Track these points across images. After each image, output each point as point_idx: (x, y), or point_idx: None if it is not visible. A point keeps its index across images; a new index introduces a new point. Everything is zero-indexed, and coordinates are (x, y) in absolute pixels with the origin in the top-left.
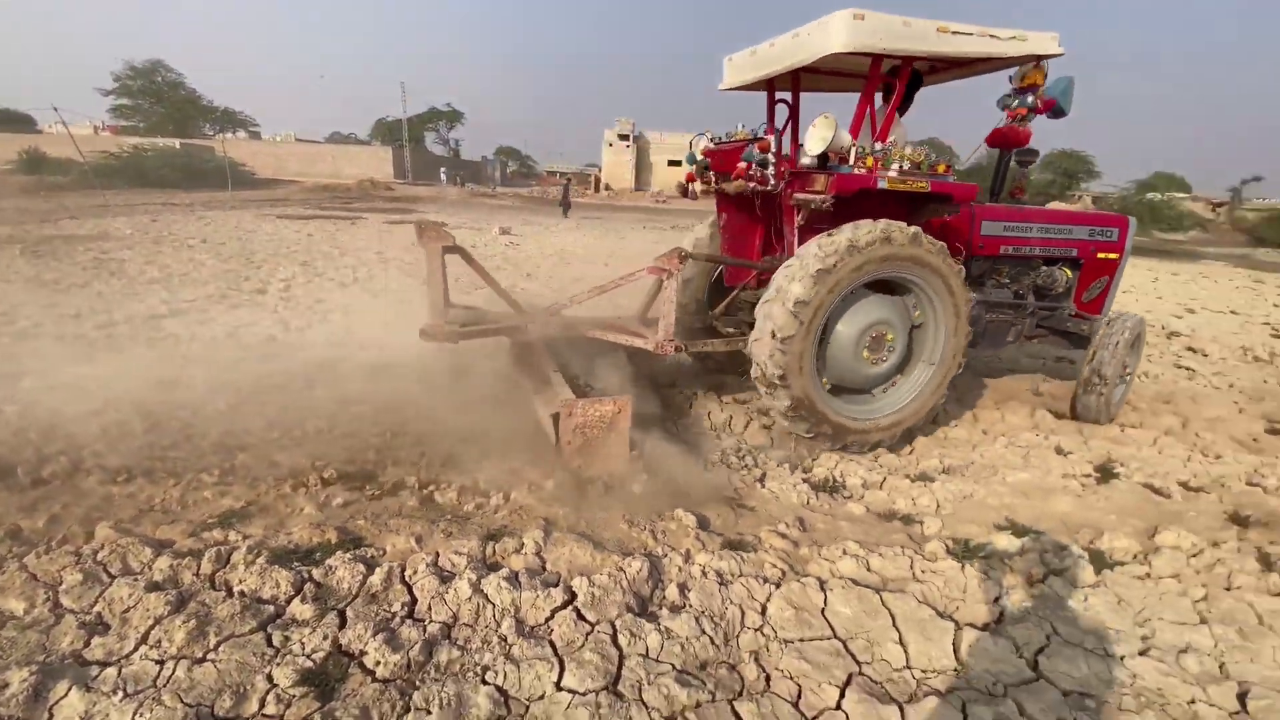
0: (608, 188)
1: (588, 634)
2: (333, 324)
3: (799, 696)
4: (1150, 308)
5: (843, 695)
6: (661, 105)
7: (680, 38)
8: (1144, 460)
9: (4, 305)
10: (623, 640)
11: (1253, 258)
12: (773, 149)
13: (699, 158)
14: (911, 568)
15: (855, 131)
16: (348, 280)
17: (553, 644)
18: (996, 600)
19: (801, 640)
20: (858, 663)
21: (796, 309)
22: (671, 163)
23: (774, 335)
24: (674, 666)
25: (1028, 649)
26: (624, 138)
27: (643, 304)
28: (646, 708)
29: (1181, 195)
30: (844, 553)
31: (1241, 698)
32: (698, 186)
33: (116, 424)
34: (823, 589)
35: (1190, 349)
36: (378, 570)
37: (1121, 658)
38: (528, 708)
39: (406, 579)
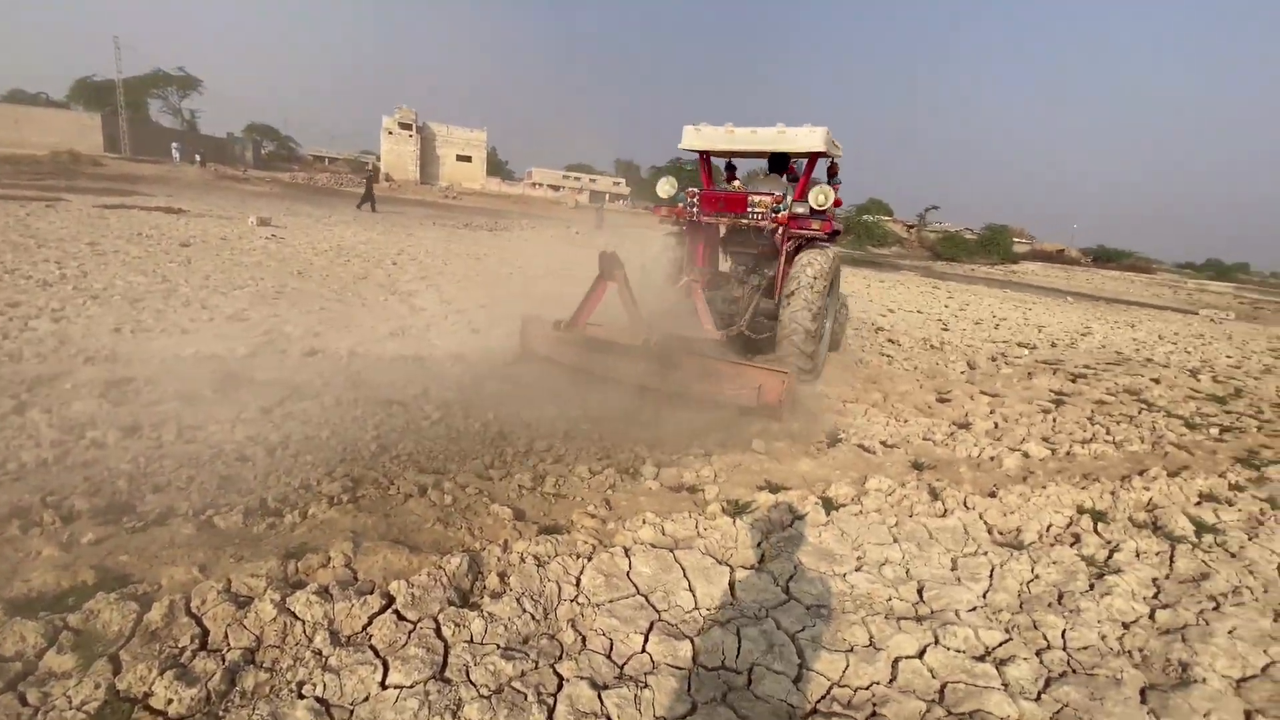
0: (389, 178)
1: (410, 632)
2: (36, 335)
3: (611, 649)
4: (864, 309)
5: (646, 640)
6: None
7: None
8: (858, 428)
9: None
10: (447, 631)
11: (933, 269)
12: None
13: (675, 194)
14: (696, 528)
15: (801, 194)
16: (52, 278)
17: (373, 648)
18: (759, 545)
19: (611, 601)
20: (657, 611)
21: (816, 298)
22: (461, 158)
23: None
24: (499, 646)
25: (781, 579)
26: (405, 127)
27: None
28: (475, 686)
29: (886, 218)
30: (644, 522)
31: (920, 591)
32: (673, 222)
33: None
34: (627, 555)
35: (890, 340)
36: (155, 606)
37: (844, 575)
38: (352, 711)
39: (194, 611)
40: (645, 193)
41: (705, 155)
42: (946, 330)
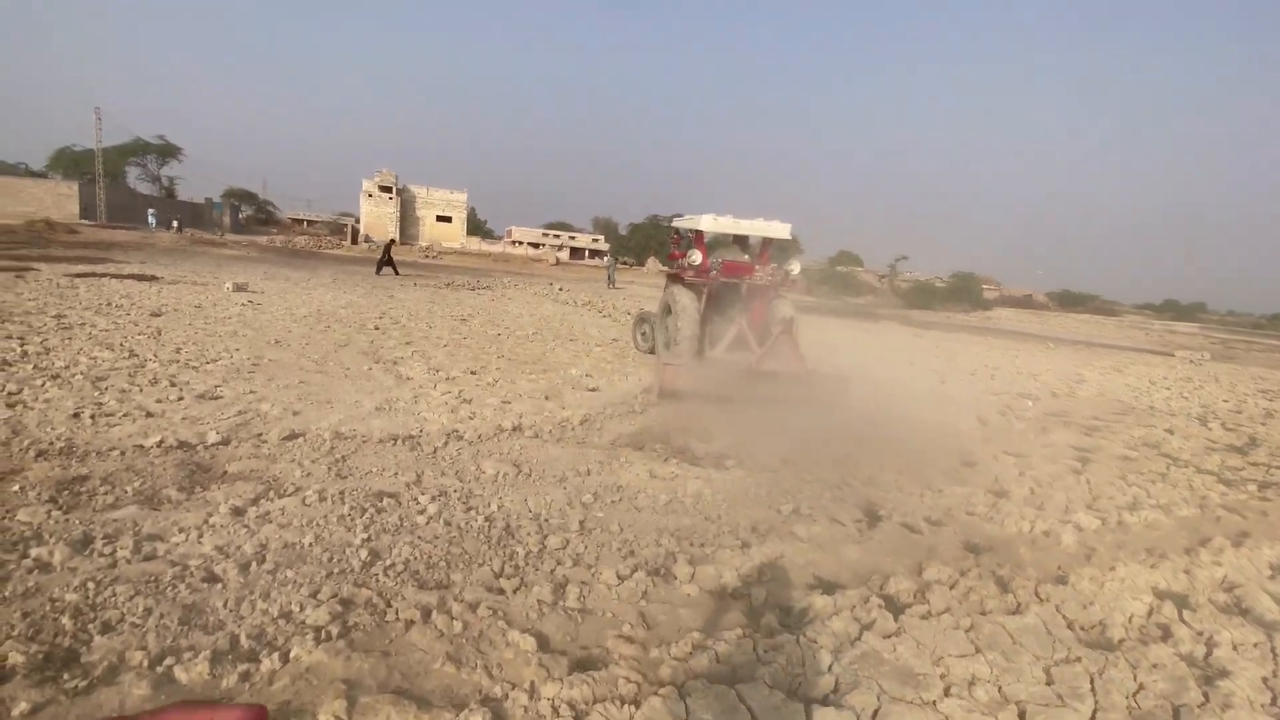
0: (368, 239)
1: None
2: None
3: None
4: (857, 361)
5: None
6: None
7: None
8: (894, 501)
9: None
10: None
11: (910, 318)
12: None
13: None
14: (755, 649)
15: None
16: (12, 356)
17: None
18: (829, 669)
19: None
20: None
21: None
22: (441, 218)
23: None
24: None
25: (865, 714)
26: (385, 189)
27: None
28: None
29: (857, 269)
30: (692, 648)
31: (1022, 716)
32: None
33: None
34: (681, 698)
35: (891, 396)
36: None
37: (935, 703)
38: None
39: None
40: (626, 249)
41: (701, 234)
42: (944, 383)
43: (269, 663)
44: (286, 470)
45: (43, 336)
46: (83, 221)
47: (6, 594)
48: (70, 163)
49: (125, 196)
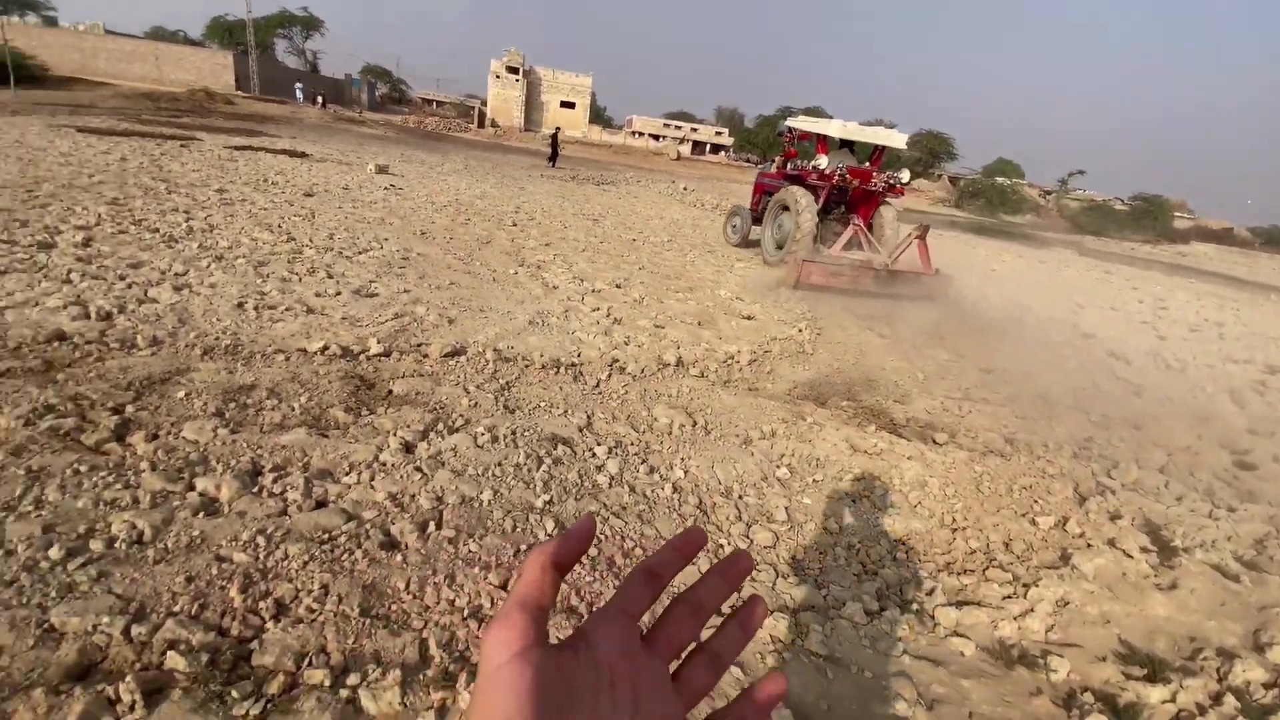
0: (494, 124)
1: None
2: (156, 309)
3: None
4: (1046, 300)
5: None
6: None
7: None
8: (1170, 514)
9: None
10: None
11: (1084, 245)
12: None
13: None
14: None
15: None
16: (179, 232)
17: None
18: None
19: None
20: None
21: None
22: (565, 104)
23: None
24: None
25: None
26: (513, 70)
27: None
28: None
29: (1019, 182)
30: None
31: None
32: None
33: None
34: None
35: (1114, 355)
36: None
37: None
38: None
39: None
40: (750, 145)
41: (826, 138)
42: (1163, 339)
43: (467, 693)
44: (452, 396)
45: (206, 212)
46: (238, 93)
47: (169, 544)
48: (224, 32)
49: (275, 69)
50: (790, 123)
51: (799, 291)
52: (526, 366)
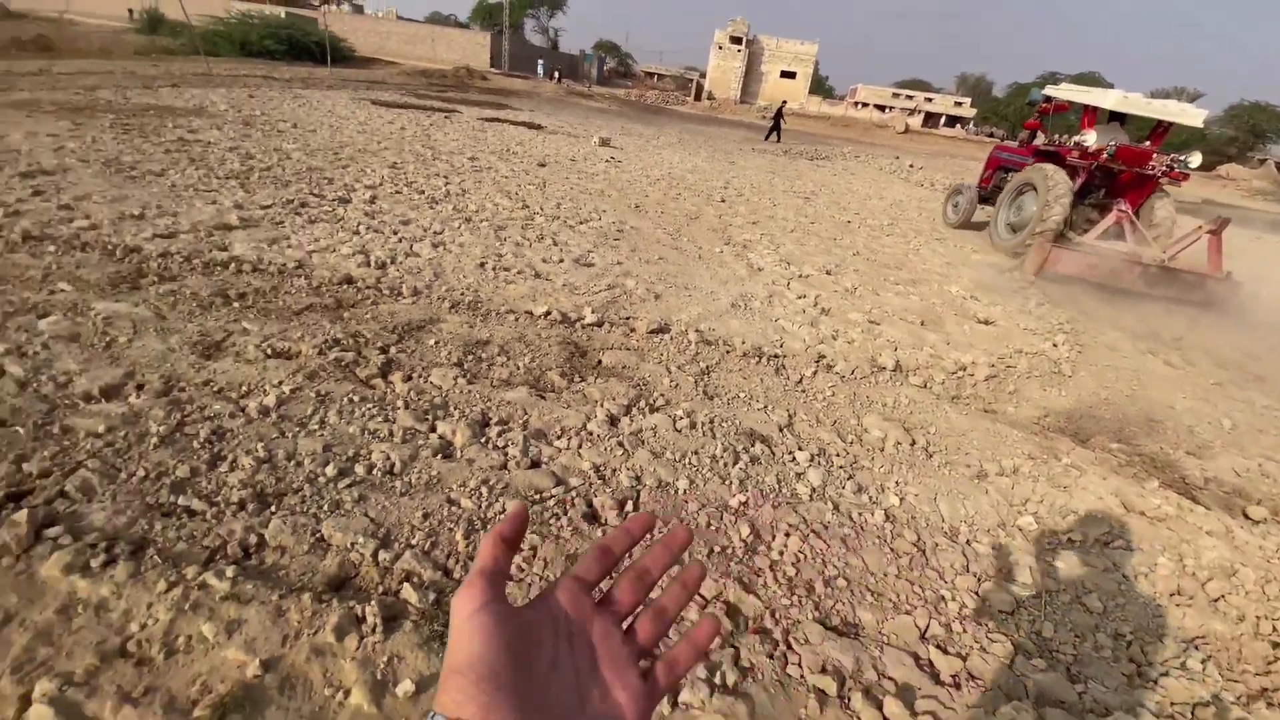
0: (710, 96)
1: None
2: (418, 262)
3: None
4: None
5: None
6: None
7: None
8: None
9: (70, 194)
10: None
11: None
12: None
13: (1093, 136)
14: None
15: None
16: (439, 194)
17: None
18: None
19: None
20: None
21: None
22: (785, 74)
23: None
24: None
25: None
26: (736, 41)
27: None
28: None
29: None
30: None
31: None
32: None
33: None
34: None
35: None
36: None
37: None
38: None
39: None
40: (999, 116)
41: (1094, 111)
42: None
43: (662, 707)
44: (654, 375)
45: (461, 178)
46: (491, 69)
47: (412, 479)
48: (485, 14)
49: (521, 47)
50: (1049, 90)
51: (1045, 289)
52: (728, 352)
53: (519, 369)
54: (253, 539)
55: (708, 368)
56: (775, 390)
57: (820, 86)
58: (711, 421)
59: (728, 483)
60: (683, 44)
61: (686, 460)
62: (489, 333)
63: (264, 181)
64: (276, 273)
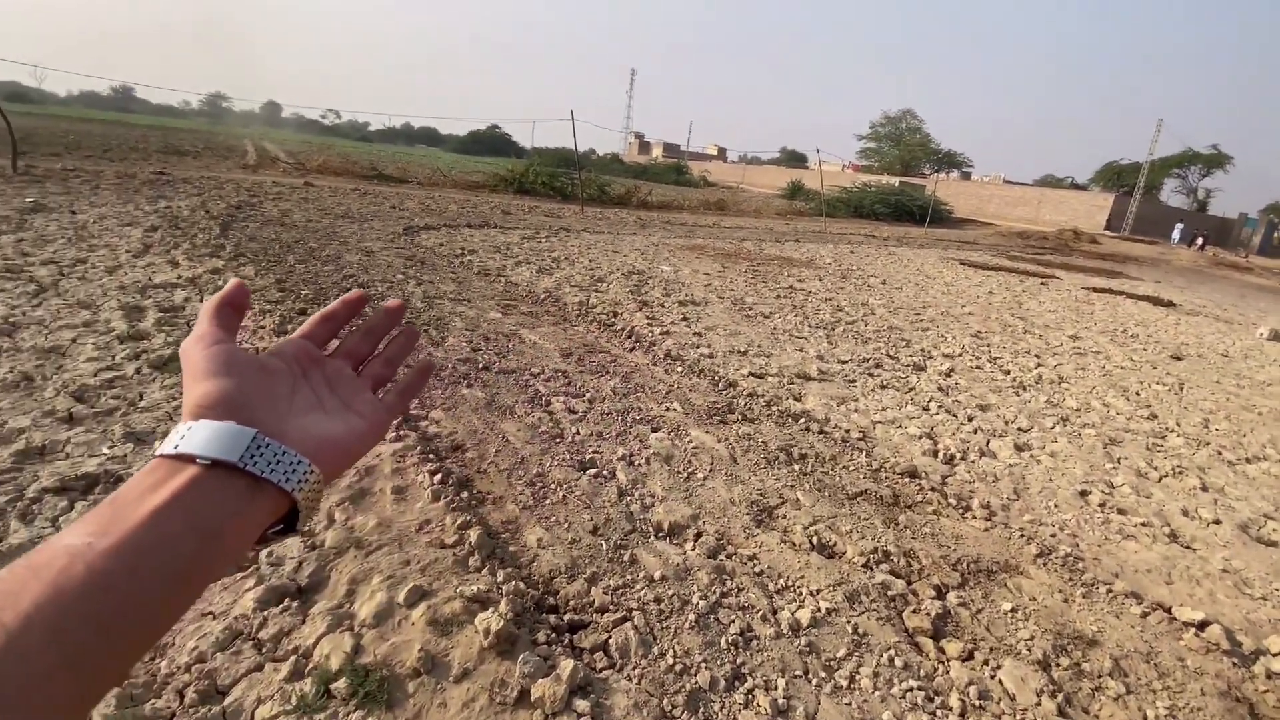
0: None
1: None
2: (995, 467)
3: None
4: None
5: None
6: None
7: None
8: None
9: (704, 323)
10: None
11: None
12: None
13: None
14: None
15: None
16: (1028, 379)
17: None
18: None
19: None
20: None
21: None
22: None
23: None
24: None
25: None
26: None
27: None
28: None
29: None
30: None
31: None
32: None
33: None
34: None
35: None
36: None
37: None
38: None
39: None
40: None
41: None
42: None
43: None
44: None
45: (1057, 360)
46: (1105, 232)
47: None
48: (1113, 175)
49: (1154, 209)
50: None
51: None
52: None
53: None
54: None
55: None
56: None
57: None
58: None
59: None
60: None
61: None
62: (1096, 625)
63: (846, 335)
64: (840, 440)
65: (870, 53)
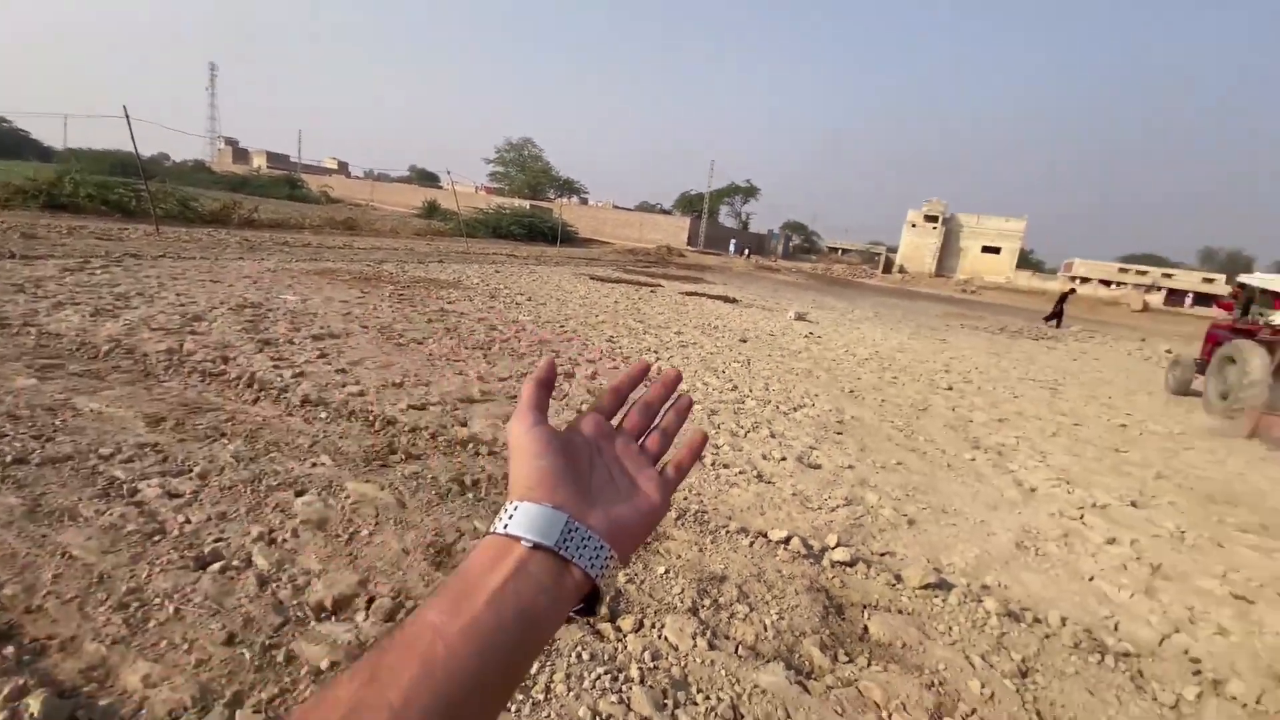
0: (902, 270)
1: None
2: None
3: None
4: None
5: None
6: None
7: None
8: None
9: (348, 358)
10: None
11: None
12: None
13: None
14: None
15: None
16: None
17: None
18: None
19: None
20: None
21: None
22: (987, 249)
23: None
24: None
25: None
26: (931, 219)
27: None
28: None
29: None
30: None
31: None
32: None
33: None
34: None
35: None
36: None
37: None
38: None
39: None
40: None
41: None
42: None
43: None
44: (952, 665)
45: (669, 353)
46: (688, 247)
47: None
48: (687, 203)
49: (716, 229)
50: (1243, 278)
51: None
52: (1047, 637)
53: (765, 628)
54: None
55: (1025, 664)
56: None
57: (1027, 261)
58: None
59: None
60: (869, 221)
61: None
62: (723, 563)
63: (503, 353)
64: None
65: (487, 82)
